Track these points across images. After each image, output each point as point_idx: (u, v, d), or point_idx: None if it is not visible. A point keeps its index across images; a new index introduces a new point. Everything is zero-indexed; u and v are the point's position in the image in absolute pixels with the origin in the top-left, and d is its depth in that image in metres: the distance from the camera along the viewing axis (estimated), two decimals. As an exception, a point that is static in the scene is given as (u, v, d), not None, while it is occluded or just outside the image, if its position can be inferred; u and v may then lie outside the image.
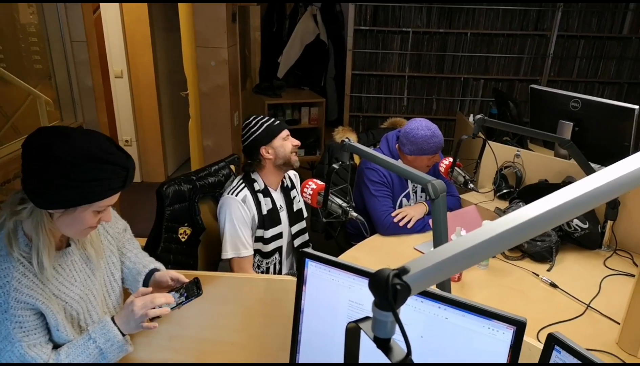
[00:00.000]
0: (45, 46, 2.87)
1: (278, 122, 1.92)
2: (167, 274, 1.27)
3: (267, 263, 1.93)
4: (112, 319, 1.14)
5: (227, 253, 1.82)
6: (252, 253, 1.87)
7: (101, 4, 3.99)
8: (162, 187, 1.83)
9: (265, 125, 1.89)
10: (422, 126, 2.20)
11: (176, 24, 3.22)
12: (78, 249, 1.17)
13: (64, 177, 0.99)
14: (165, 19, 4.35)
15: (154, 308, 1.12)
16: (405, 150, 2.22)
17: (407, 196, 2.25)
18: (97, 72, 3.03)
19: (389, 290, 0.47)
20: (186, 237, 1.86)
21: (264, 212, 1.87)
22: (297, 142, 1.93)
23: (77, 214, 1.05)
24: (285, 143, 1.90)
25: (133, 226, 1.44)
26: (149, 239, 1.86)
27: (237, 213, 1.81)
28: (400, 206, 2.25)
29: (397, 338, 0.53)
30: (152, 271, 1.30)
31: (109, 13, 4.04)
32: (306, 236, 2.07)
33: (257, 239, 1.89)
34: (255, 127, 1.89)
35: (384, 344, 0.51)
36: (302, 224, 2.05)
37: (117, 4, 4.00)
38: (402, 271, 0.49)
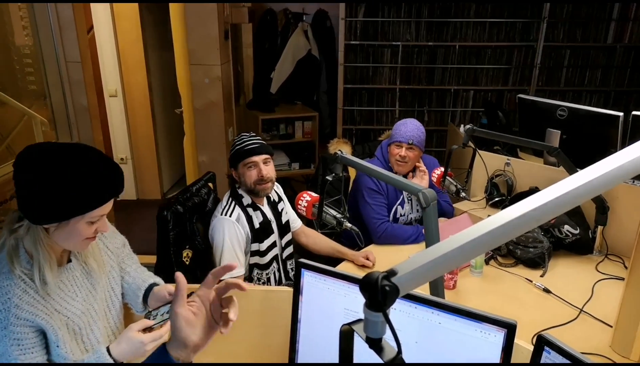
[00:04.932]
0: (40, 67, 2.91)
1: (249, 148, 1.85)
2: (164, 288, 1.29)
3: (267, 274, 1.94)
4: (108, 349, 1.13)
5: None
6: (244, 272, 1.88)
7: (94, 25, 4.04)
8: (161, 211, 1.82)
9: (236, 147, 1.87)
10: (404, 119, 2.29)
11: (169, 42, 3.27)
12: (80, 264, 1.19)
13: (51, 190, 1.00)
14: (159, 38, 4.41)
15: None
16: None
17: (402, 204, 2.29)
18: (92, 92, 3.07)
19: (378, 291, 0.50)
20: (189, 260, 1.87)
21: (257, 226, 1.88)
22: (264, 174, 1.84)
23: (70, 227, 1.06)
24: (248, 172, 1.85)
25: (130, 243, 1.46)
26: (157, 269, 1.85)
27: (232, 233, 1.81)
28: (395, 215, 2.28)
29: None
30: (152, 286, 1.32)
31: (103, 33, 4.09)
32: (291, 249, 2.08)
33: (254, 253, 1.90)
34: (232, 147, 1.90)
35: (375, 344, 0.53)
36: (289, 236, 2.07)
37: (110, 24, 4.05)
38: (391, 273, 0.51)
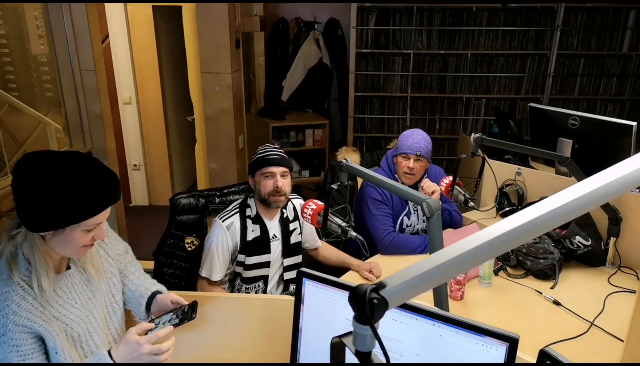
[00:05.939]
0: (56, 75, 2.97)
1: (269, 158, 1.86)
2: (167, 297, 1.29)
3: (247, 288, 1.92)
4: (109, 352, 1.14)
5: (202, 271, 1.87)
6: (221, 278, 1.89)
7: (110, 34, 4.12)
8: (174, 196, 1.96)
9: (257, 155, 1.90)
10: (410, 130, 2.24)
11: (182, 51, 3.31)
12: (78, 271, 1.19)
13: (45, 199, 1.01)
14: (172, 47, 4.47)
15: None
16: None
17: (408, 215, 2.26)
18: (105, 99, 3.12)
19: (366, 304, 0.49)
20: (193, 247, 1.95)
21: (249, 238, 1.87)
22: (279, 185, 1.84)
23: (66, 235, 1.06)
24: (264, 182, 1.85)
25: (140, 249, 1.47)
26: (160, 241, 1.97)
27: (219, 238, 1.83)
28: (401, 225, 2.26)
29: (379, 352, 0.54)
30: (155, 294, 1.32)
31: (118, 42, 4.16)
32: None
33: (239, 263, 1.89)
34: (254, 155, 1.93)
35: (364, 358, 0.53)
36: (297, 259, 1.99)
37: (125, 33, 4.12)
38: (380, 285, 0.51)
